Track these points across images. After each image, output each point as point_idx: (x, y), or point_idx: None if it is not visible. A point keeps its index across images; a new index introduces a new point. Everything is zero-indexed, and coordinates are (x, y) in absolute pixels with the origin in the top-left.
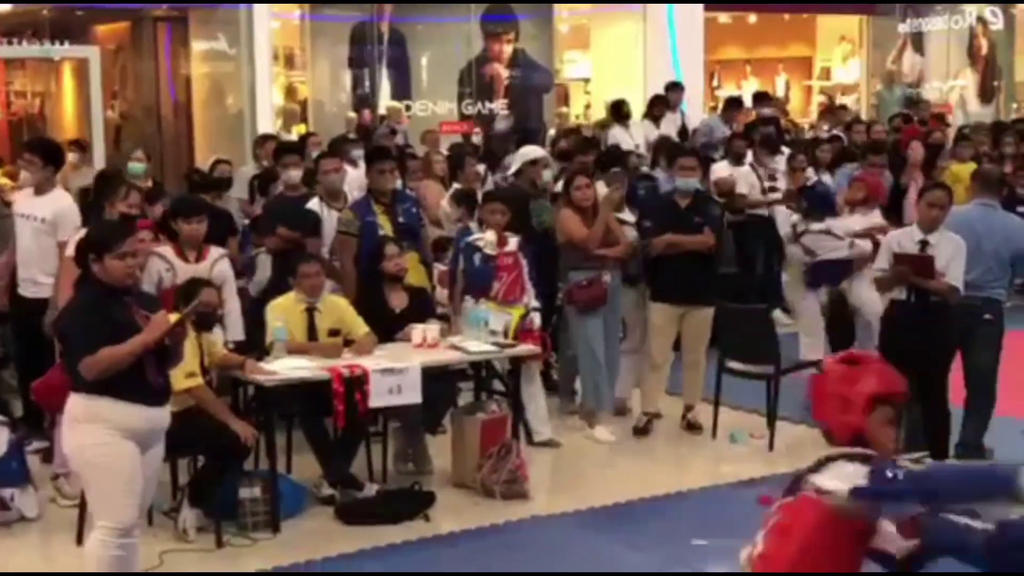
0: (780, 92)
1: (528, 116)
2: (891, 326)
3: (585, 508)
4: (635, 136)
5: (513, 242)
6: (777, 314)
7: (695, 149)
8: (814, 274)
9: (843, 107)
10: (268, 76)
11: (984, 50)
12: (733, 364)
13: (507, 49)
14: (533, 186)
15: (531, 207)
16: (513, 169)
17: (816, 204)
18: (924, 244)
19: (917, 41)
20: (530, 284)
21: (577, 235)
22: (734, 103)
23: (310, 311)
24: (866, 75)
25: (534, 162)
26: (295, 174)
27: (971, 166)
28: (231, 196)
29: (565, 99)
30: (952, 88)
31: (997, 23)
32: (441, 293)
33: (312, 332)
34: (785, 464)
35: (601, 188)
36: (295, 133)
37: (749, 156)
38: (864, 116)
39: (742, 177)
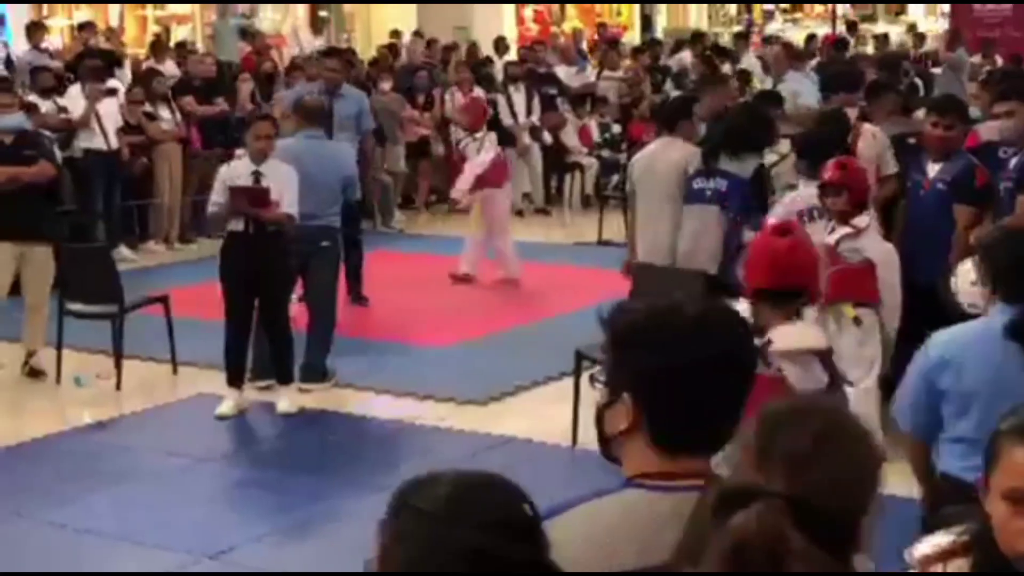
0: (115, 21)
1: None
2: (230, 257)
3: None
4: None
5: None
6: (122, 250)
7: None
8: None
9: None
10: None
11: None
12: (75, 306)
13: None
14: None
15: None
16: None
17: None
18: (257, 175)
19: None
20: None
21: None
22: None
23: None
24: (200, 5)
25: None
26: None
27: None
28: None
29: None
30: (286, 18)
31: None
32: None
33: None
34: (135, 402)
35: None
36: None
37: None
38: (201, 47)
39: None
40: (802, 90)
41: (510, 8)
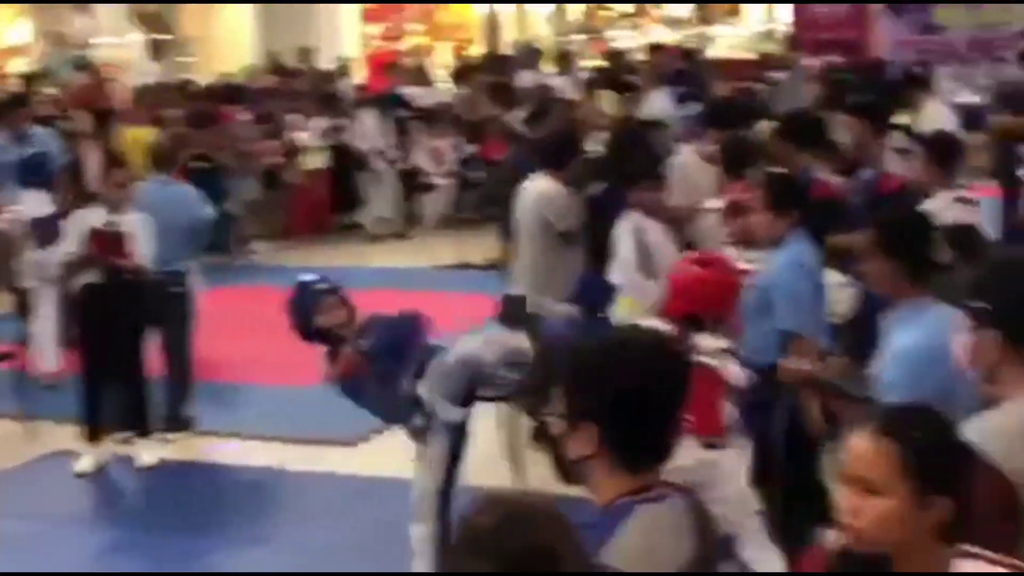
0: None
1: None
2: (86, 308)
3: None
4: None
5: None
6: None
7: None
8: None
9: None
10: None
11: (152, 8)
12: None
13: None
14: None
15: None
16: None
17: None
18: (112, 224)
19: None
20: None
21: None
22: None
23: None
24: (36, 37)
25: None
26: None
27: (151, 130)
28: None
29: None
30: (123, 46)
31: None
32: None
33: None
34: None
35: None
36: None
37: None
38: None
39: None
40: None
41: (355, 24)
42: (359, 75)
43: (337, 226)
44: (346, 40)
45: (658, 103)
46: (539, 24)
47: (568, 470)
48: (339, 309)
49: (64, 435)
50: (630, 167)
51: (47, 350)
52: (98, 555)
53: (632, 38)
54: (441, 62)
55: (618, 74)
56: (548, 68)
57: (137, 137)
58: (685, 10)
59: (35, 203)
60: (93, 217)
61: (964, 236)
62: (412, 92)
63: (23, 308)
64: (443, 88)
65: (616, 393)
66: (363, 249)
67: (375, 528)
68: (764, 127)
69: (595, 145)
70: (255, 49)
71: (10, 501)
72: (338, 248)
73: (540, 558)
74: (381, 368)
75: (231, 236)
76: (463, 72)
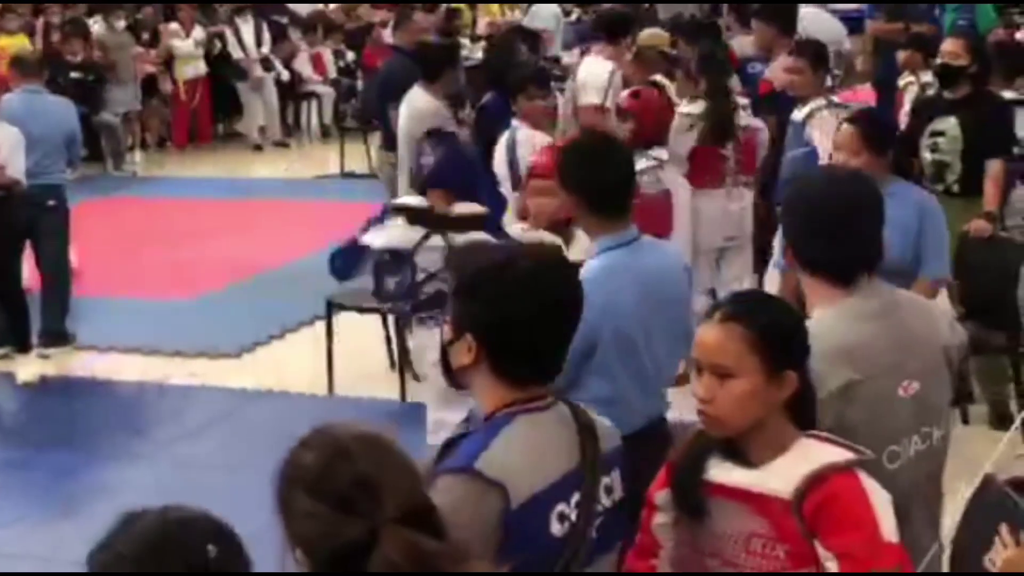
0: None
1: None
2: None
3: None
4: None
5: None
6: None
7: None
8: None
9: None
10: None
11: None
12: None
13: None
14: None
15: None
16: None
17: None
18: None
19: None
20: None
21: None
22: None
23: None
24: None
25: None
26: None
27: (20, 39)
28: None
29: None
30: None
31: None
32: None
33: None
34: None
35: None
36: None
37: None
38: None
39: None
40: None
41: None
42: None
43: (217, 136)
44: None
45: (546, 10)
46: None
47: (453, 376)
48: None
49: None
50: (514, 76)
51: None
52: None
53: None
54: None
55: None
56: None
57: (7, 46)
58: None
59: None
60: None
61: None
62: None
63: None
64: None
65: (497, 309)
66: (244, 158)
67: (256, 441)
68: (655, 34)
69: (475, 54)
70: None
71: None
72: (219, 158)
73: (361, 490)
74: None
75: (108, 147)
76: None
